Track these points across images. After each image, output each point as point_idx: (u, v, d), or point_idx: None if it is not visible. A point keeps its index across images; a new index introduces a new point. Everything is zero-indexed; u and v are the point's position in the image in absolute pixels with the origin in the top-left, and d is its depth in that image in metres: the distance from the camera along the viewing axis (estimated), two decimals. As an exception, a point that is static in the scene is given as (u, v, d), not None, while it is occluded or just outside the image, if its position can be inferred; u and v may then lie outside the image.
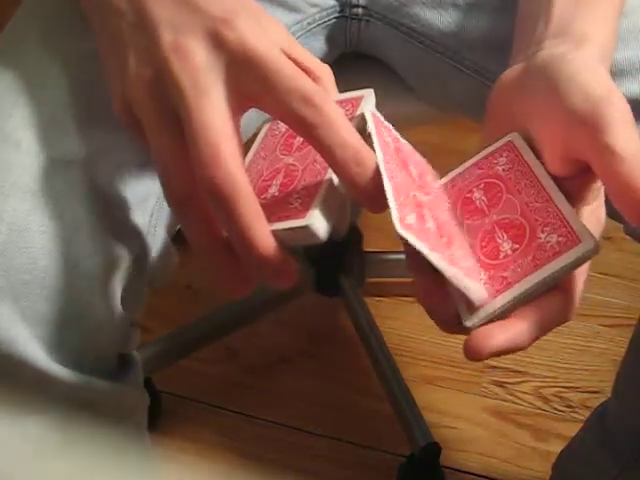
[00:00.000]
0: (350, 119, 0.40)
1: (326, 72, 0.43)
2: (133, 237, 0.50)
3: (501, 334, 0.38)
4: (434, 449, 1.00)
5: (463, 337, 0.39)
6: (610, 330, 1.19)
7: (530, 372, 1.15)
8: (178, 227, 0.57)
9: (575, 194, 0.43)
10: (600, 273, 1.28)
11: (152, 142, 0.39)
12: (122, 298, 0.51)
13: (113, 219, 0.49)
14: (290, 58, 0.39)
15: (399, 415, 1.05)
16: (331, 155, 0.36)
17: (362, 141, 0.37)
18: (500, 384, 1.14)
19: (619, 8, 0.49)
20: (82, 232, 0.47)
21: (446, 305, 0.41)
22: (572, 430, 0.81)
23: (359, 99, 0.42)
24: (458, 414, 1.10)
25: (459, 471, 1.04)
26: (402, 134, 0.45)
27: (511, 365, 1.16)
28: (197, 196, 0.38)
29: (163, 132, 0.39)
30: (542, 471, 0.91)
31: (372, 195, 0.36)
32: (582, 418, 0.91)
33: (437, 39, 0.63)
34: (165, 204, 0.53)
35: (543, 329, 0.40)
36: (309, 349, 1.18)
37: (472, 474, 1.04)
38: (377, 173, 0.36)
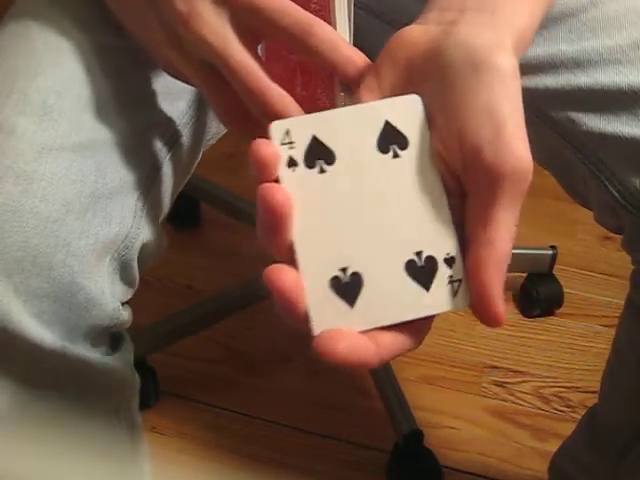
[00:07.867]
0: None
1: None
2: (122, 219, 0.53)
3: (347, 342, 0.39)
4: (416, 435, 1.00)
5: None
6: (610, 330, 1.19)
7: (530, 372, 1.15)
8: (168, 212, 0.60)
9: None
10: (600, 273, 1.28)
11: (198, 86, 0.48)
12: (114, 278, 0.54)
13: (102, 202, 0.52)
14: None
15: (387, 408, 1.05)
16: (335, 68, 0.44)
17: (355, 51, 0.44)
18: (500, 384, 1.14)
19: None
20: (72, 214, 0.50)
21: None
22: (572, 430, 0.81)
23: None
24: (458, 414, 1.10)
25: (459, 471, 1.04)
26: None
27: (511, 365, 1.16)
28: (243, 116, 0.47)
29: (200, 77, 0.47)
30: (542, 471, 0.91)
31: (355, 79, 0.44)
32: (582, 418, 0.91)
33: None
34: (151, 189, 0.56)
35: (389, 354, 0.40)
36: (308, 349, 1.17)
37: (472, 474, 1.04)
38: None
